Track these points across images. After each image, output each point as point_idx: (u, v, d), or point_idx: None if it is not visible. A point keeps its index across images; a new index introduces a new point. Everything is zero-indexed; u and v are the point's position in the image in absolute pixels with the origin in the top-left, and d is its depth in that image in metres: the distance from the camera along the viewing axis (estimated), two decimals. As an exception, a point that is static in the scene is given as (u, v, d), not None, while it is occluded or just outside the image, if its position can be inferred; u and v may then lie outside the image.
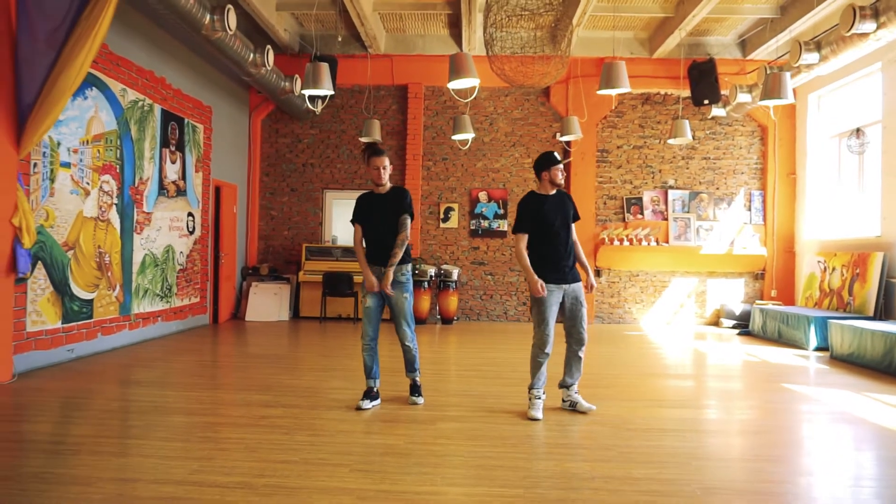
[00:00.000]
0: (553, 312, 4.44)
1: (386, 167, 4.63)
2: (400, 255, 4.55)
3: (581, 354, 4.55)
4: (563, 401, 4.62)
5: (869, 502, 3.08)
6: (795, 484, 3.31)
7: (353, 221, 4.76)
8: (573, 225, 4.62)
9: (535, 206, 4.50)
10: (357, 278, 9.42)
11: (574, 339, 4.53)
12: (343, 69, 9.82)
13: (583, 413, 4.48)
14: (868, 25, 6.19)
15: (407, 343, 4.71)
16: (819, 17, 8.30)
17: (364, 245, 4.73)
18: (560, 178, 4.53)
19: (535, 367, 4.47)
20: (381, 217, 4.63)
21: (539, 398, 4.45)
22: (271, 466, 3.29)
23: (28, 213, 5.19)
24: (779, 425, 4.49)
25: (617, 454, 3.65)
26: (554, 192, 4.57)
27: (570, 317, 4.51)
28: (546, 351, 4.43)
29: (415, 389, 4.80)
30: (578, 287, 4.51)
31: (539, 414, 4.38)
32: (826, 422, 4.56)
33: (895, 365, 6.13)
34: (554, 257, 4.46)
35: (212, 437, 3.80)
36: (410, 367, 4.80)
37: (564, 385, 4.60)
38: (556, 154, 4.58)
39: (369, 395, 4.65)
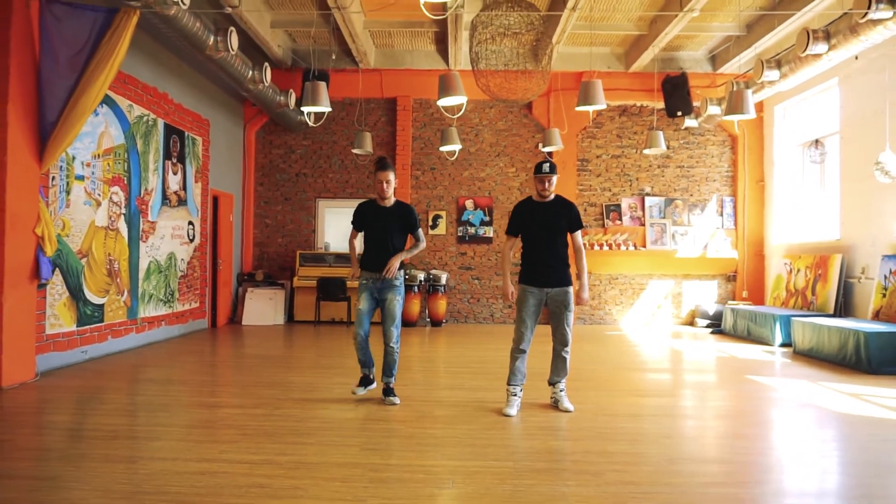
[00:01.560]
0: (530, 312, 4.68)
1: (390, 181, 4.89)
2: (413, 254, 4.99)
3: (564, 354, 4.76)
4: (550, 397, 4.87)
5: (833, 467, 3.65)
6: (766, 455, 3.82)
7: (353, 226, 5.06)
8: (578, 234, 4.77)
9: (524, 212, 4.77)
10: (350, 283, 9.85)
11: (557, 339, 4.77)
12: (335, 83, 10.29)
13: (563, 411, 4.69)
14: (821, 47, 6.77)
15: (391, 344, 4.88)
16: (781, 36, 8.91)
17: (361, 251, 5.07)
18: (543, 188, 4.64)
19: (511, 361, 4.76)
20: (383, 229, 4.90)
21: (515, 395, 4.71)
22: (290, 447, 3.73)
23: (49, 223, 5.57)
24: (745, 410, 5.00)
25: (595, 434, 4.14)
26: (550, 199, 4.74)
27: (553, 318, 4.75)
28: (521, 347, 4.70)
29: (389, 391, 4.93)
30: (562, 292, 4.65)
31: (512, 411, 4.59)
32: (787, 407, 5.08)
33: (849, 357, 6.70)
34: (533, 261, 4.72)
35: (233, 425, 4.23)
36: (389, 371, 4.93)
37: (550, 382, 4.87)
38: (544, 165, 4.62)
39: (364, 382, 5.00)
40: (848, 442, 4.16)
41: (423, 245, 5.08)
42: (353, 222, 5.09)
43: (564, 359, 4.78)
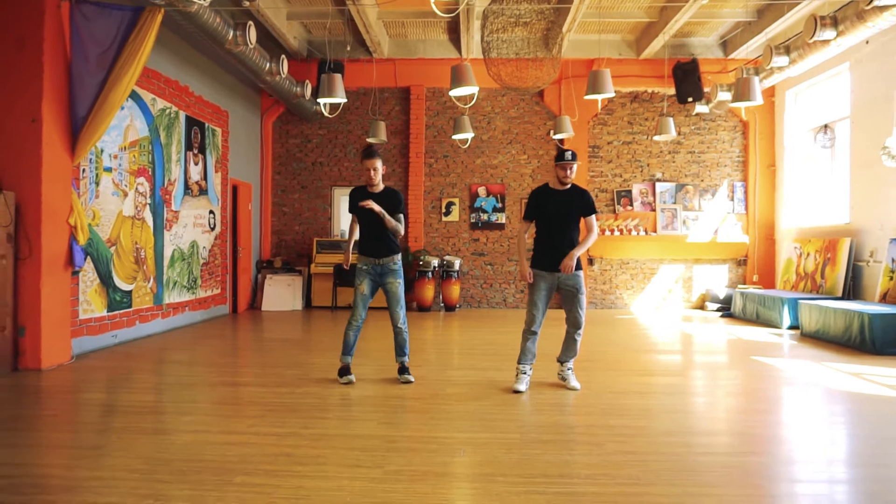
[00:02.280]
0: (541, 296, 4.88)
1: (377, 169, 5.02)
2: (393, 222, 4.99)
3: (576, 337, 4.96)
4: (558, 374, 5.13)
5: (842, 437, 3.90)
6: (768, 427, 4.01)
7: (350, 212, 5.23)
8: (591, 218, 4.90)
9: (540, 198, 4.93)
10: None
11: (570, 321, 4.97)
12: (349, 73, 10.50)
13: (570, 389, 4.91)
14: (828, 33, 6.85)
15: (399, 325, 5.12)
16: (792, 21, 8.95)
17: (356, 237, 5.26)
18: (564, 175, 4.78)
19: (522, 341, 4.97)
20: (373, 214, 5.01)
21: (525, 373, 4.93)
22: (313, 421, 4.00)
23: (81, 213, 5.87)
24: (749, 388, 5.18)
25: (598, 410, 4.36)
26: (567, 187, 4.90)
27: (565, 302, 4.94)
28: (532, 329, 4.90)
29: (404, 370, 5.16)
30: (573, 276, 4.82)
31: (521, 387, 4.82)
32: (790, 385, 5.27)
33: (854, 338, 6.85)
34: (547, 246, 4.90)
35: (258, 402, 4.51)
36: (401, 350, 5.17)
37: (559, 361, 5.09)
38: (566, 153, 4.75)
39: (345, 371, 5.15)
40: (852, 416, 4.32)
41: (401, 231, 5.11)
42: (349, 209, 5.25)
43: (576, 340, 4.98)
